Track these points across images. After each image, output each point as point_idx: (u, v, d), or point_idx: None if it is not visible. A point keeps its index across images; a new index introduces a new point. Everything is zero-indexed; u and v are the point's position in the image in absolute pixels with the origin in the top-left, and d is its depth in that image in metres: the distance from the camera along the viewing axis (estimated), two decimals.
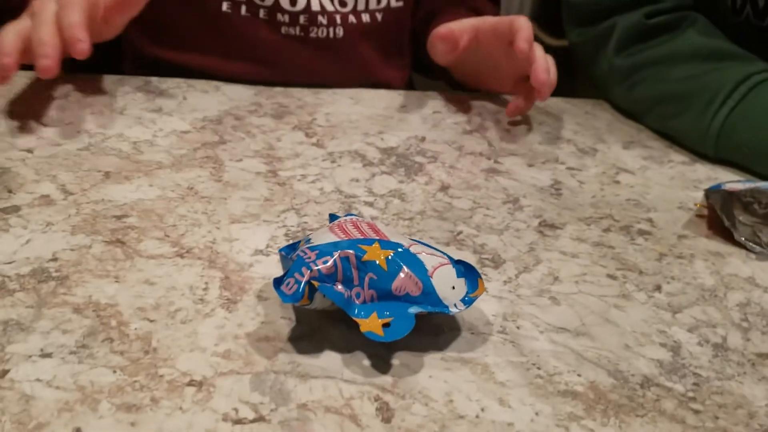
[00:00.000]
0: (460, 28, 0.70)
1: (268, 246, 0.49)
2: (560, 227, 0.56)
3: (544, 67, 0.66)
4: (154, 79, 0.72)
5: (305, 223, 0.53)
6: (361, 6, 0.77)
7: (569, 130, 0.73)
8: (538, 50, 0.67)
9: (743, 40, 0.72)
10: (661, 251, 0.54)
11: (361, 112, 0.72)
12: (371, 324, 0.39)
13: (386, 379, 0.39)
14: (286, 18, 0.74)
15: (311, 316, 0.42)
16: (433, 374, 0.40)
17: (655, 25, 0.73)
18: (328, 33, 0.76)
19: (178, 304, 0.43)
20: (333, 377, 0.38)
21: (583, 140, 0.71)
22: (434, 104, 0.75)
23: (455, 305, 0.42)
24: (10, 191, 0.52)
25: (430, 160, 0.64)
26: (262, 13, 0.74)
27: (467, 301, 0.42)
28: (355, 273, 0.40)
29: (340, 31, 0.76)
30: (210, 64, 0.75)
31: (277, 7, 0.74)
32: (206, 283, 0.45)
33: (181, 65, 0.75)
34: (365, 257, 0.41)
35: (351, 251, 0.41)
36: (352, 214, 0.47)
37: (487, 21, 0.70)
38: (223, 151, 0.61)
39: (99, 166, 0.57)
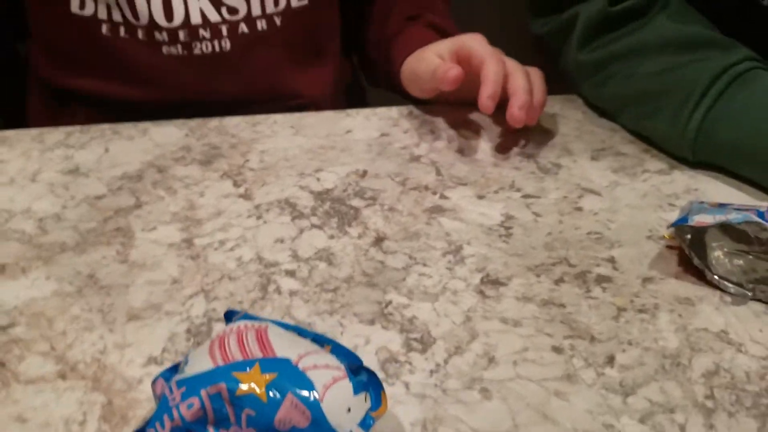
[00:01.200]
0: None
1: (164, 350, 0.44)
2: (505, 283, 0.49)
3: (521, 101, 0.58)
4: (77, 130, 0.67)
5: (213, 311, 0.47)
6: (256, 11, 0.69)
7: (532, 142, 0.65)
8: (518, 78, 0.60)
9: (737, 20, 0.63)
10: (621, 305, 0.47)
11: (301, 145, 0.65)
12: None
13: None
14: (165, 36, 0.68)
15: None
16: None
17: (621, 12, 0.64)
18: (213, 47, 0.69)
19: None
20: None
21: (546, 154, 0.63)
22: (382, 124, 0.68)
23: None
24: None
25: (369, 203, 0.57)
26: (140, 34, 0.68)
27: (366, 425, 0.36)
28: (230, 410, 0.35)
29: (226, 44, 0.69)
30: (99, 88, 0.72)
31: (153, 25, 0.67)
32: (84, 413, 0.40)
33: (76, 90, 0.73)
34: (239, 391, 0.35)
35: (222, 384, 0.35)
36: (248, 316, 0.41)
37: (462, 51, 0.62)
38: (136, 218, 0.56)
39: None
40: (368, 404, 0.37)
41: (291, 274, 0.50)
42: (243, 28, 0.69)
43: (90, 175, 0.61)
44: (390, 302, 0.48)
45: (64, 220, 0.56)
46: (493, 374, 0.42)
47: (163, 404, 0.35)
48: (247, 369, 0.36)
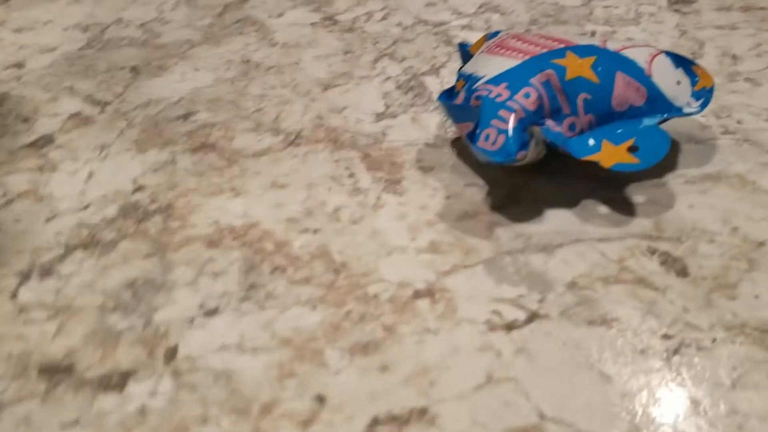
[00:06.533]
0: None
1: (387, 106, 0.38)
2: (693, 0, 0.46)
3: None
4: None
5: (411, 68, 0.42)
6: None
7: None
8: None
9: None
10: None
11: None
12: (614, 155, 0.30)
13: (644, 224, 0.30)
14: None
15: (501, 176, 0.33)
16: (693, 202, 0.31)
17: None
18: None
19: (333, 201, 0.32)
20: (581, 239, 0.30)
21: None
22: None
23: (688, 104, 0.32)
24: (25, 120, 0.39)
25: None
26: None
27: (702, 95, 0.33)
28: (562, 99, 0.31)
29: None
30: None
31: None
32: (347, 168, 0.34)
33: None
34: (569, 74, 0.31)
35: (550, 71, 0.31)
36: (498, 32, 0.36)
37: None
38: (253, 9, 0.48)
39: (119, 62, 0.44)
40: (689, 79, 0.33)
41: (468, 28, 0.45)
42: None
43: None
44: (594, 32, 0.44)
45: (172, 22, 0.48)
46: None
47: (488, 104, 0.30)
48: (562, 55, 0.31)
